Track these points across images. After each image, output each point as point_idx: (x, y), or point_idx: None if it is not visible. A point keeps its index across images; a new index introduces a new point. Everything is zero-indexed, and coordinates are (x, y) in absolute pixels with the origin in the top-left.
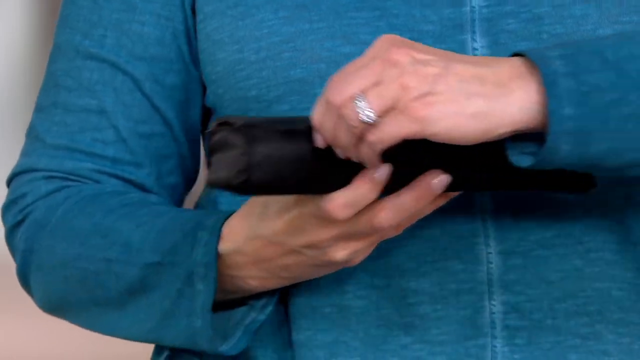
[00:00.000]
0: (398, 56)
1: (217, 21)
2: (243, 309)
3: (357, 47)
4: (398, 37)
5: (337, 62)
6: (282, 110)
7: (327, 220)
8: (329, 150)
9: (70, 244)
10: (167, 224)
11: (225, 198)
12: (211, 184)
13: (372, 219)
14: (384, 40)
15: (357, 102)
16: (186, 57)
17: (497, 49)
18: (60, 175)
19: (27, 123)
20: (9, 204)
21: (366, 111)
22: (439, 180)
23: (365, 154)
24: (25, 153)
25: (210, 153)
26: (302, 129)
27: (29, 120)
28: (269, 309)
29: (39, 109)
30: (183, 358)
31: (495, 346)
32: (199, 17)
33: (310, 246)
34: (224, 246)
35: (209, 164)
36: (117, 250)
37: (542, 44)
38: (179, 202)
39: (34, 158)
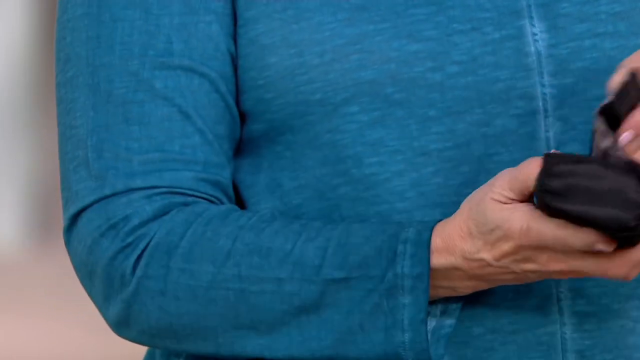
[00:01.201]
0: None
1: (263, 25)
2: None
3: (423, 44)
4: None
5: (407, 60)
6: (351, 112)
7: (571, 256)
8: None
9: (220, 266)
10: (344, 239)
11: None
12: (580, 217)
13: (611, 270)
14: None
15: None
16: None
17: (557, 33)
18: (162, 190)
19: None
20: (108, 229)
21: None
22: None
23: None
24: (100, 176)
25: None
26: None
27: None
28: (458, 312)
29: (102, 129)
30: None
31: (565, 332)
32: (239, 22)
33: (538, 272)
34: (437, 261)
35: (559, 192)
36: (289, 269)
37: (601, 24)
38: None
39: (123, 178)
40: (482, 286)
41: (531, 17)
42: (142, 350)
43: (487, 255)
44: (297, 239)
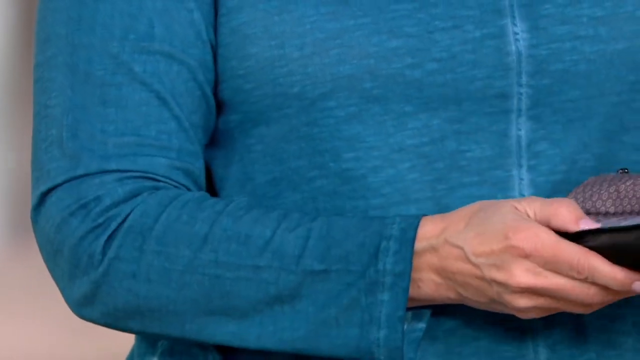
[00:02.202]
0: None
1: (246, 15)
2: (410, 320)
3: (403, 40)
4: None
5: (386, 56)
6: (328, 107)
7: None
8: None
9: (197, 251)
10: (325, 232)
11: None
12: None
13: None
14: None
15: None
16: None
17: (538, 33)
18: (134, 175)
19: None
20: (78, 208)
21: None
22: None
23: None
24: (74, 156)
25: None
26: None
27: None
28: (428, 316)
29: (79, 109)
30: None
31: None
32: (221, 10)
33: (503, 284)
34: (417, 245)
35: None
36: (268, 258)
37: (582, 28)
38: None
39: (97, 160)
40: (443, 288)
41: (513, 17)
42: (122, 349)
43: (468, 247)
44: (277, 228)
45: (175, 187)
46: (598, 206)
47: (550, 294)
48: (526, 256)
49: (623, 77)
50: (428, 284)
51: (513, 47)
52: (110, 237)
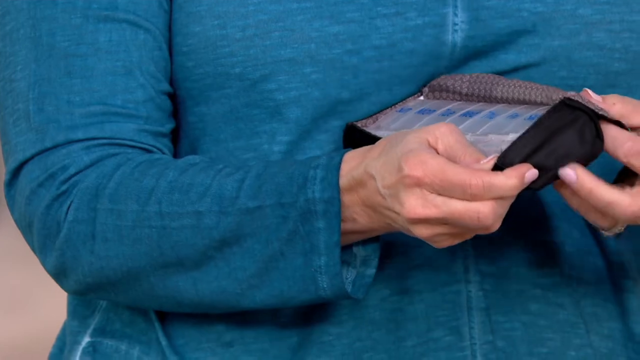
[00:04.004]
0: None
1: None
2: (358, 267)
3: (344, 25)
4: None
5: (326, 41)
6: (268, 89)
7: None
8: None
9: (144, 204)
10: (261, 171)
11: None
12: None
13: (482, 215)
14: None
15: None
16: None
17: (477, 25)
18: (102, 142)
19: None
20: (46, 179)
21: None
22: (532, 173)
23: None
24: (41, 129)
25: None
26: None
27: None
28: (377, 261)
29: (44, 82)
30: (103, 345)
31: (470, 291)
32: None
33: (401, 216)
34: (343, 180)
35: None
36: (208, 203)
37: (521, 22)
38: None
39: (64, 131)
40: (376, 220)
41: (455, 6)
42: (53, 328)
43: (378, 176)
44: (217, 174)
45: (145, 150)
46: (456, 86)
47: (445, 222)
48: (418, 184)
49: (554, 72)
50: (363, 217)
51: (449, 37)
52: (72, 202)
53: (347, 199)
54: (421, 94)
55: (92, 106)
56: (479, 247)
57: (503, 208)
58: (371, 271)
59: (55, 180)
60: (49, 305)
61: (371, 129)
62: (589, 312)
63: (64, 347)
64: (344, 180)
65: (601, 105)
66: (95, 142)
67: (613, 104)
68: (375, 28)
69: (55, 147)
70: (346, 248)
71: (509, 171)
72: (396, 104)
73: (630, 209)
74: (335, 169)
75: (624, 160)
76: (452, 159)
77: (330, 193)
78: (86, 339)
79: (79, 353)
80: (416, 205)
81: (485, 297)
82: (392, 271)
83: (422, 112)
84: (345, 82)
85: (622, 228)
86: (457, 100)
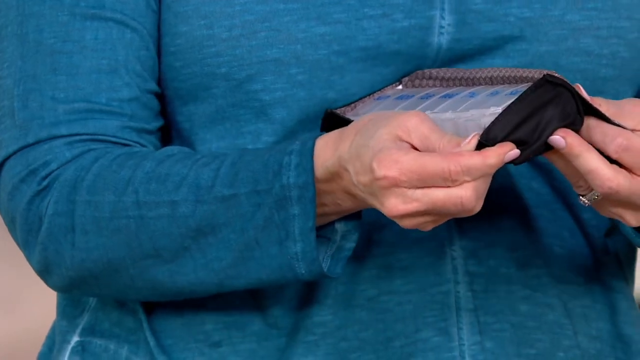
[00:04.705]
0: None
1: None
2: (338, 241)
3: (331, 27)
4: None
5: (312, 42)
6: (254, 89)
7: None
8: None
9: (121, 195)
10: (236, 159)
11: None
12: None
13: (465, 198)
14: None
15: None
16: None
17: (464, 28)
18: (85, 138)
19: None
20: (28, 174)
21: None
22: (514, 153)
23: None
24: (25, 125)
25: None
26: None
27: None
28: (357, 235)
29: (29, 78)
30: (92, 344)
31: (458, 291)
32: None
33: (382, 210)
34: (320, 168)
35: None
36: (184, 192)
37: (508, 27)
38: None
39: (47, 127)
40: (359, 202)
41: (443, 9)
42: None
43: (352, 170)
44: (194, 164)
45: (128, 145)
46: (440, 73)
47: (429, 212)
48: (395, 184)
49: None
50: (346, 202)
51: (435, 39)
52: (52, 196)
53: (326, 187)
54: (400, 83)
55: (76, 103)
56: (467, 247)
57: (484, 186)
58: (350, 245)
59: (37, 176)
60: (39, 304)
61: (350, 116)
62: (577, 313)
63: (53, 346)
64: (320, 171)
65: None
66: (78, 137)
67: (599, 105)
68: (361, 29)
69: (38, 142)
70: (328, 225)
71: (488, 151)
72: (374, 92)
73: (607, 183)
74: (309, 153)
75: (615, 156)
76: (429, 148)
77: (305, 178)
78: (75, 339)
79: (67, 352)
80: (397, 203)
81: (473, 298)
82: (380, 271)
83: (401, 97)
84: (331, 82)
85: (599, 196)
86: (436, 86)
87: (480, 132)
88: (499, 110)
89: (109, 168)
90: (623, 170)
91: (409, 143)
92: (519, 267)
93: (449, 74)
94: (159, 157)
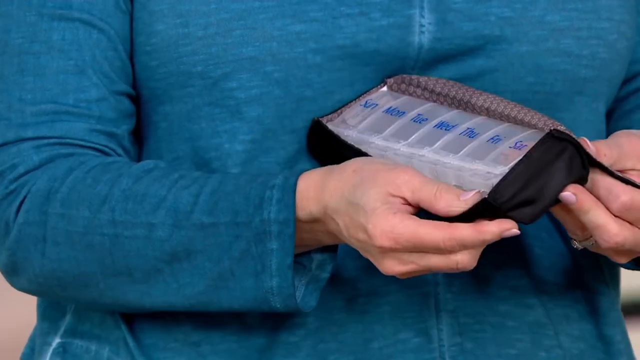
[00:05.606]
0: None
1: None
2: (313, 270)
3: (307, 24)
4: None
5: (288, 40)
6: (229, 87)
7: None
8: None
9: (96, 211)
10: (217, 187)
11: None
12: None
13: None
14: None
15: None
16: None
17: (445, 27)
18: (52, 141)
19: None
20: None
21: None
22: (512, 233)
23: None
24: None
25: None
26: None
27: None
28: (332, 266)
29: None
30: (73, 346)
31: (438, 292)
32: None
33: (362, 242)
34: (303, 210)
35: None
36: (162, 215)
37: (488, 26)
38: None
39: (15, 129)
40: (344, 241)
41: (422, 8)
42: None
43: (342, 224)
44: (173, 186)
45: (97, 150)
46: (429, 83)
47: (424, 271)
48: (391, 251)
49: (522, 78)
50: (327, 240)
51: (416, 39)
52: (22, 203)
53: (308, 227)
54: (385, 84)
55: (44, 104)
56: None
57: (479, 250)
58: (325, 275)
59: (4, 179)
60: (23, 304)
61: (337, 123)
62: (558, 313)
63: (35, 348)
64: (302, 214)
65: (594, 156)
66: (45, 141)
67: (604, 155)
68: (338, 27)
69: (5, 144)
70: (305, 253)
71: (485, 226)
72: (359, 96)
73: (614, 239)
74: (291, 190)
75: (617, 214)
76: (424, 202)
77: (286, 215)
78: (56, 340)
79: (49, 354)
80: (393, 264)
81: (453, 299)
82: (359, 272)
83: (391, 112)
84: (308, 80)
85: (593, 243)
86: (425, 98)
87: (485, 190)
88: (507, 170)
89: (83, 182)
90: (626, 223)
91: (401, 197)
92: (498, 268)
93: (439, 88)
94: (135, 173)
